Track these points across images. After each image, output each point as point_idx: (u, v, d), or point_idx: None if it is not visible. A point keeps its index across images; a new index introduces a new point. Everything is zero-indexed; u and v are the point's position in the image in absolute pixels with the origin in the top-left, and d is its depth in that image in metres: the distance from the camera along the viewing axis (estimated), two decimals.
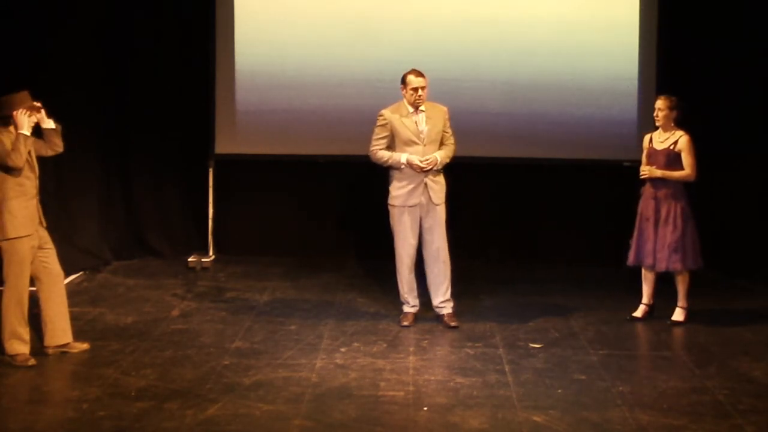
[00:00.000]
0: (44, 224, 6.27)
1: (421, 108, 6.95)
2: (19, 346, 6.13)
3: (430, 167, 6.89)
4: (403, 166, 6.92)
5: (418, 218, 6.99)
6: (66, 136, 8.46)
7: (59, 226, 7.97)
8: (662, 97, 7.14)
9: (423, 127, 6.95)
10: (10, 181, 6.08)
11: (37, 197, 6.23)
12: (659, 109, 7.09)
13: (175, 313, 7.37)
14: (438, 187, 7.00)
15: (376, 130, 7.01)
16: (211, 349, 6.47)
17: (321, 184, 9.22)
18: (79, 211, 8.70)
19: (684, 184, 7.07)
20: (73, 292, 7.51)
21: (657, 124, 7.14)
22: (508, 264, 8.96)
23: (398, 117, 6.96)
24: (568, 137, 8.87)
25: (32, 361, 6.10)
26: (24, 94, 6.15)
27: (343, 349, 6.51)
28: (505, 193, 9.16)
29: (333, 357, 6.35)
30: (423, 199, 6.96)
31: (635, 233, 7.19)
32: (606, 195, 9.05)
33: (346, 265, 8.95)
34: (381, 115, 7.01)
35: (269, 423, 5.24)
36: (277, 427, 5.20)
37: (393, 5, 8.87)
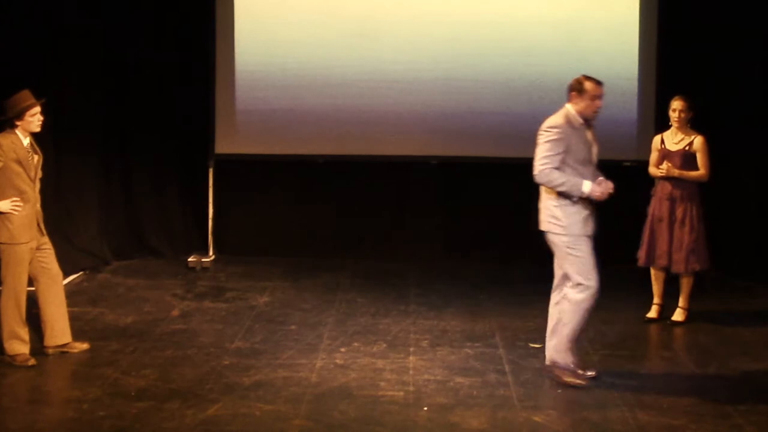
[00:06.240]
0: (43, 232, 6.24)
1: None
2: (19, 347, 6.12)
3: None
4: (582, 196, 5.77)
5: None
6: (66, 136, 8.47)
7: (59, 226, 7.98)
8: (680, 98, 7.02)
9: (592, 143, 5.93)
10: (10, 188, 6.06)
11: (38, 205, 6.21)
12: (679, 110, 6.98)
13: (175, 313, 7.37)
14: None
15: (549, 145, 5.77)
16: (211, 349, 6.47)
17: (321, 184, 9.21)
18: (79, 211, 8.70)
19: (698, 185, 7.03)
20: (73, 292, 7.52)
21: (675, 124, 7.03)
22: (508, 264, 8.95)
23: (573, 131, 5.83)
24: None
25: (32, 361, 6.10)
26: (26, 93, 6.12)
27: (343, 349, 6.51)
28: (504, 193, 9.13)
29: (333, 357, 6.34)
30: (592, 224, 5.90)
31: (646, 234, 7.11)
32: None
33: (346, 265, 8.94)
34: (556, 127, 5.78)
35: (269, 423, 5.24)
36: (277, 427, 5.20)
37: (393, 5, 8.86)
